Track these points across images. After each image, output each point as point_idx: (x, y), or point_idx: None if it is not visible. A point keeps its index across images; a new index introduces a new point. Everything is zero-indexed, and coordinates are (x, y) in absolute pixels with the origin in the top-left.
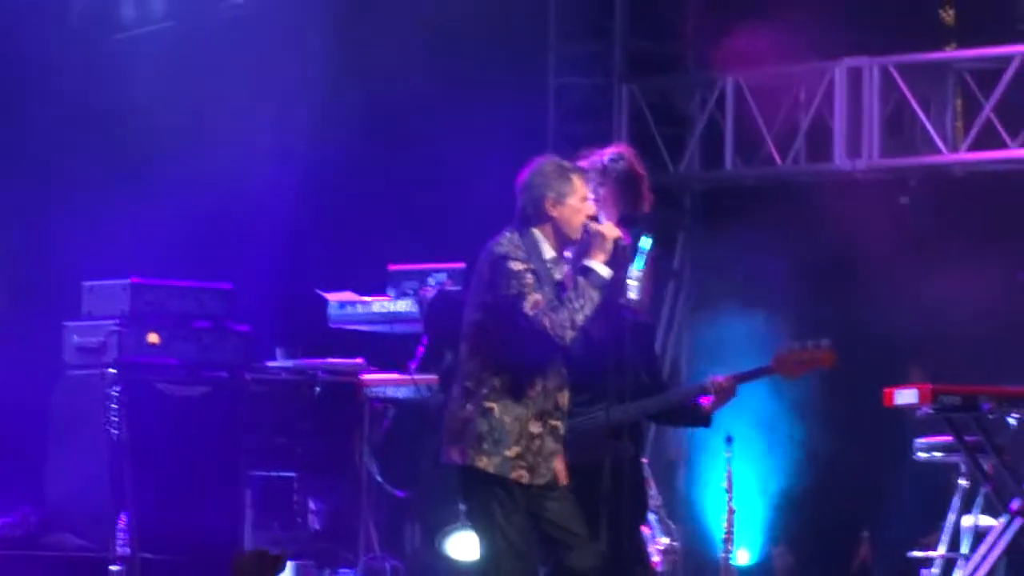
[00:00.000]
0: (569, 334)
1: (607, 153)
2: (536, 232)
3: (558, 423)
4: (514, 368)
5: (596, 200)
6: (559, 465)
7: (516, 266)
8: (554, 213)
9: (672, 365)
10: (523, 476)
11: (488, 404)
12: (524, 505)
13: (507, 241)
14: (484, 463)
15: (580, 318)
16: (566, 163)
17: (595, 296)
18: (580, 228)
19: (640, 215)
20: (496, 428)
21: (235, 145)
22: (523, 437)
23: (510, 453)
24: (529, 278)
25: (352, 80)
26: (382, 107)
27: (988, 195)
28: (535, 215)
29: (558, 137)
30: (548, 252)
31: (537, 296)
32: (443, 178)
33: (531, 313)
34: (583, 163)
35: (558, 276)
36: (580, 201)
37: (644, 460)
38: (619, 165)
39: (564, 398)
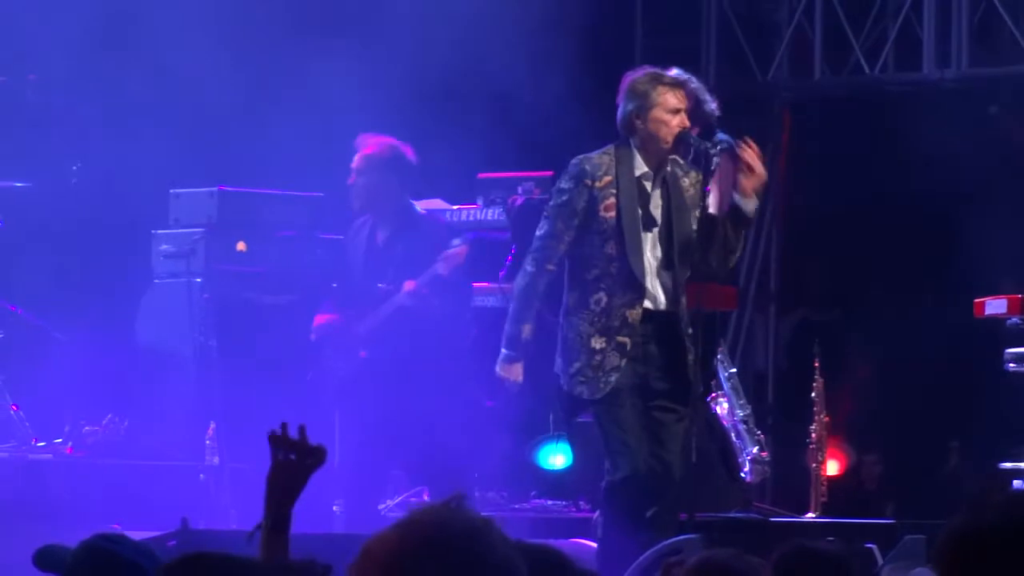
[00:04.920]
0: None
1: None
2: (633, 146)
3: (626, 339)
4: (577, 284)
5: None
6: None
7: (563, 184)
8: (639, 125)
9: (762, 270)
10: (583, 392)
11: (561, 319)
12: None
13: (584, 157)
14: (499, 369)
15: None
16: (659, 73)
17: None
18: (669, 139)
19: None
20: (563, 343)
21: (326, 58)
22: (583, 353)
23: (571, 369)
24: (560, 206)
25: None
26: (475, 22)
27: None
28: (623, 128)
29: (645, 50)
30: (640, 167)
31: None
32: (532, 90)
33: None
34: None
35: (650, 190)
36: (666, 113)
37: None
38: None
39: (635, 314)
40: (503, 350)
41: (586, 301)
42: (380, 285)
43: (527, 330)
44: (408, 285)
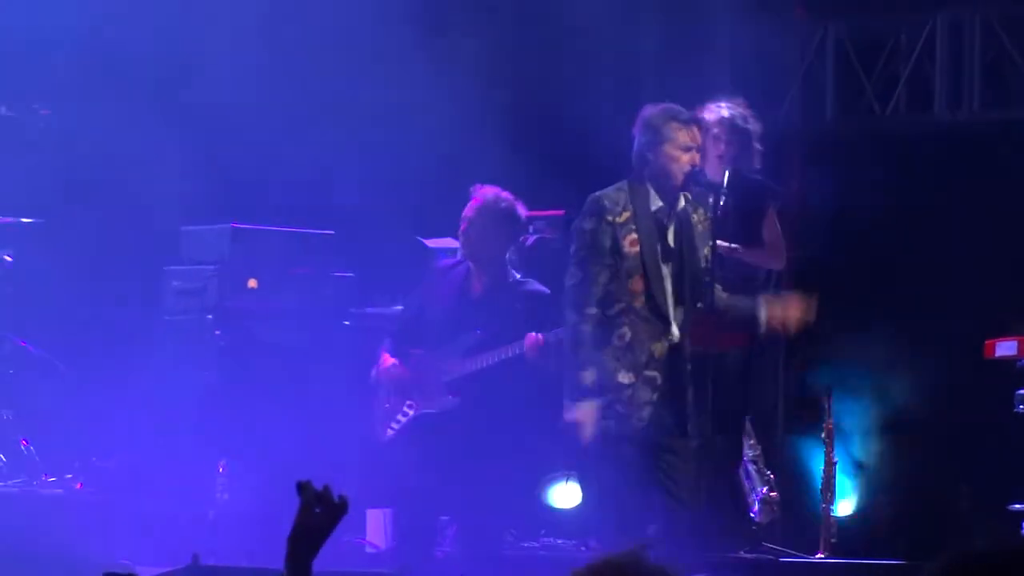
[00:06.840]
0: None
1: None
2: (646, 180)
3: (655, 373)
4: (598, 320)
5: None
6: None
7: (585, 224)
8: (651, 159)
9: None
10: (610, 427)
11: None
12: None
13: (601, 194)
14: (569, 416)
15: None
16: (674, 110)
17: None
18: (679, 176)
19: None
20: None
21: (337, 92)
22: (610, 389)
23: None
24: (588, 247)
25: (467, 26)
26: (493, 53)
27: None
28: (637, 161)
29: (657, 87)
30: (655, 203)
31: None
32: (542, 129)
33: (568, 284)
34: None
35: (666, 224)
36: (677, 150)
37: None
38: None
39: (661, 348)
40: (566, 401)
41: (609, 337)
42: (477, 332)
43: (588, 377)
44: (534, 339)
